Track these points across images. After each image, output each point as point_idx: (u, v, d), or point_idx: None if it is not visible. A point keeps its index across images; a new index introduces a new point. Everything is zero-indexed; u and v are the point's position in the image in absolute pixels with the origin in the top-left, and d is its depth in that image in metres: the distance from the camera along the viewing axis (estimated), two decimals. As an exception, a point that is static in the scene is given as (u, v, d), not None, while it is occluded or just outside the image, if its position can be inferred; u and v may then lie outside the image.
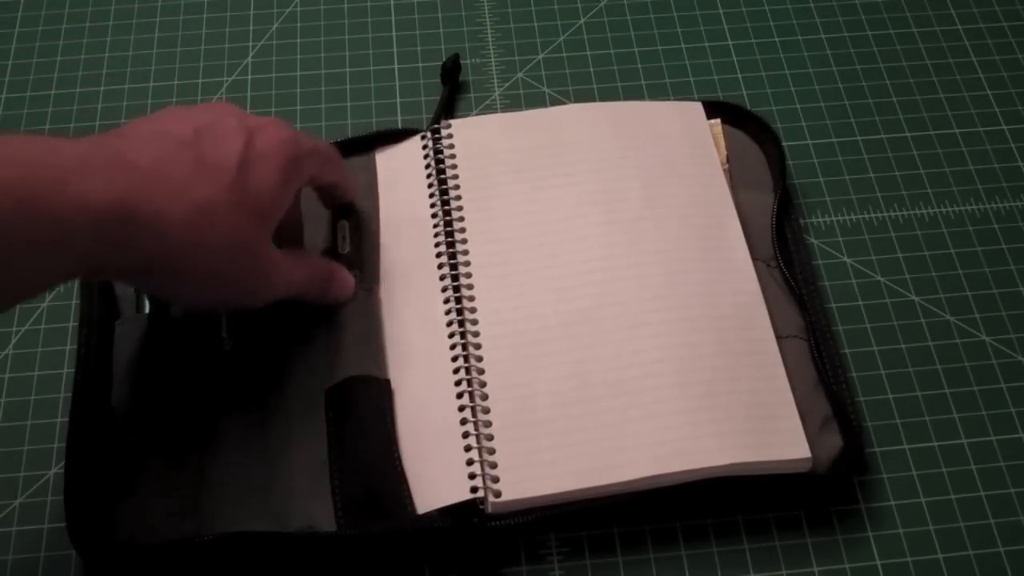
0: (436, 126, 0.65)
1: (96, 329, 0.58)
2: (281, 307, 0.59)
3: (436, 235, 0.61)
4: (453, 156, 0.64)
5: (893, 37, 0.75)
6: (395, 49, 0.74)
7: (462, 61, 0.72)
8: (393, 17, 0.76)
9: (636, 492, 0.53)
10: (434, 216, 0.62)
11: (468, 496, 0.53)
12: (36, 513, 0.55)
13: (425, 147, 0.65)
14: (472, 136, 0.65)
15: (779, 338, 0.58)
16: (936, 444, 0.58)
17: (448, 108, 0.70)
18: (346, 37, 0.75)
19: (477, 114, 0.70)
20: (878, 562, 0.54)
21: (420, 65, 0.73)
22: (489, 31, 0.75)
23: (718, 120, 0.66)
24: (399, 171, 0.65)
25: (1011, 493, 0.56)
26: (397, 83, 0.72)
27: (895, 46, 0.74)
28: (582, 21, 0.76)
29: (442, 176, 0.63)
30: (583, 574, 0.54)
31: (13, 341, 0.61)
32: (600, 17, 0.76)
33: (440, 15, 0.76)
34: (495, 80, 0.72)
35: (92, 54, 0.74)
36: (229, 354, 0.58)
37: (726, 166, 0.65)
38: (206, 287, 0.51)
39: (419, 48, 0.74)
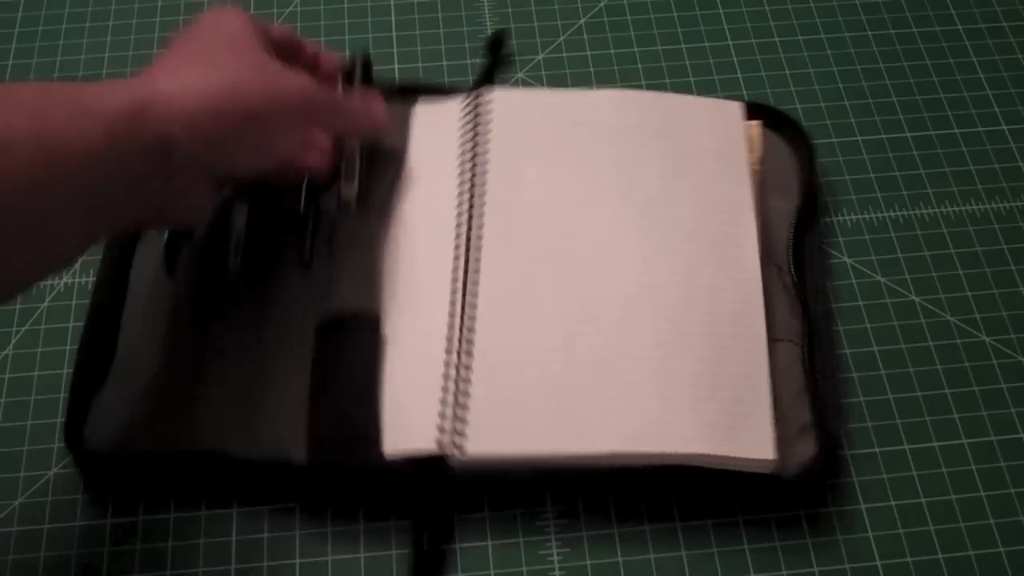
0: (479, 90, 0.67)
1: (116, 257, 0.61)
2: (291, 232, 0.61)
3: (459, 194, 0.62)
4: (489, 123, 0.65)
5: (894, 37, 0.75)
6: (395, 49, 0.74)
7: (463, 61, 0.72)
8: (393, 17, 0.76)
9: (602, 468, 0.54)
10: (460, 175, 0.63)
11: (433, 446, 0.54)
12: (36, 513, 0.55)
13: (466, 108, 0.66)
14: (511, 107, 0.66)
15: (775, 341, 0.58)
16: (936, 444, 0.58)
17: (489, 78, 0.71)
18: (346, 37, 0.74)
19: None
20: (878, 562, 0.54)
21: (420, 65, 0.73)
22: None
23: (759, 122, 0.66)
24: (435, 125, 0.66)
25: (1011, 493, 0.56)
26: (397, 83, 0.72)
27: (896, 46, 0.74)
28: (582, 21, 0.76)
29: (476, 140, 0.64)
30: (583, 574, 0.54)
31: (13, 341, 0.61)
32: (600, 17, 0.76)
33: (440, 15, 0.76)
34: (495, 80, 0.72)
35: (92, 54, 0.74)
36: (235, 276, 0.60)
37: (757, 168, 0.65)
38: (264, 127, 0.53)
39: (419, 48, 0.74)
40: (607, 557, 0.54)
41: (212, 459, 0.55)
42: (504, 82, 0.72)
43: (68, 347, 0.61)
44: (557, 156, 0.64)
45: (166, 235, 0.60)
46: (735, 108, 0.67)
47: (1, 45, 0.74)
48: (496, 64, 0.72)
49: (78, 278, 0.63)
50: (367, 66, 0.67)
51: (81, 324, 0.60)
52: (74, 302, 0.62)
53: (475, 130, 0.65)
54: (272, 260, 0.61)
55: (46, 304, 0.63)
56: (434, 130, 0.66)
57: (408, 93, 0.68)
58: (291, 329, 0.59)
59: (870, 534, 0.55)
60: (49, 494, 0.56)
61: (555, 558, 0.54)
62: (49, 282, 0.63)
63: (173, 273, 0.60)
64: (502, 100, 0.66)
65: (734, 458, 0.54)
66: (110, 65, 0.73)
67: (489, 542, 0.55)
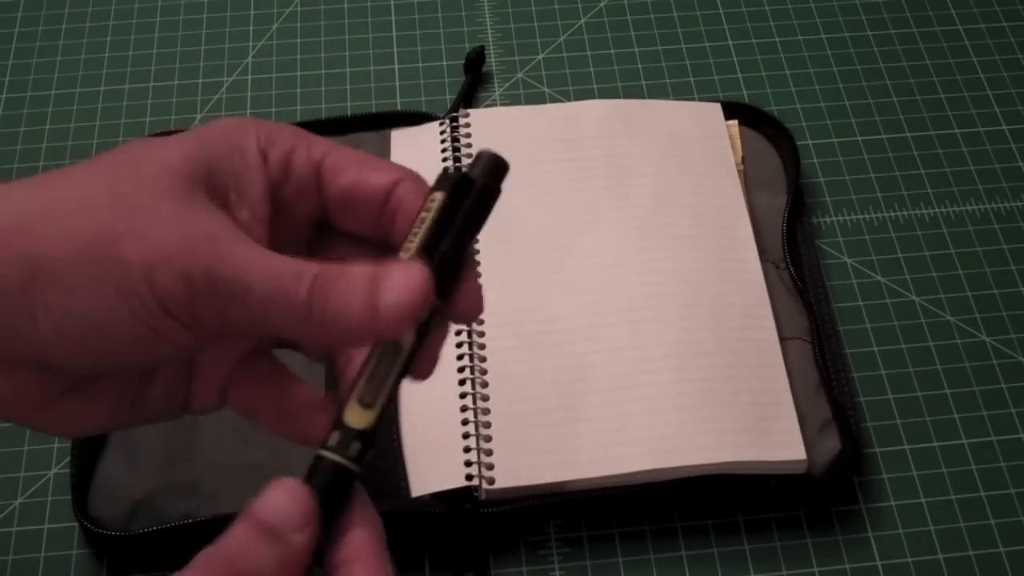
0: (455, 114, 0.66)
1: None
2: None
3: None
4: (470, 145, 0.64)
5: (894, 37, 0.75)
6: (395, 49, 0.74)
7: (462, 61, 0.72)
8: (393, 17, 0.76)
9: (631, 486, 0.54)
10: None
11: (463, 483, 0.53)
12: (36, 513, 0.55)
13: (443, 133, 0.65)
14: (490, 126, 0.65)
15: (784, 339, 0.58)
16: (936, 444, 0.58)
17: (467, 98, 0.70)
18: (346, 37, 0.74)
19: (477, 114, 0.70)
20: (878, 562, 0.54)
21: (420, 65, 0.73)
22: (489, 31, 0.75)
23: (735, 121, 0.67)
24: (414, 153, 0.65)
25: (1011, 493, 0.56)
26: (397, 83, 0.72)
27: (895, 46, 0.74)
28: (582, 21, 0.76)
29: (458, 164, 0.63)
30: (583, 574, 0.54)
31: (13, 341, 0.61)
32: (600, 17, 0.76)
33: (440, 15, 0.76)
34: (495, 80, 0.72)
35: (92, 54, 0.74)
36: None
37: (741, 167, 0.65)
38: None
39: (419, 48, 0.74)
40: (607, 557, 0.54)
41: (228, 521, 0.52)
42: (494, 91, 0.72)
43: (68, 347, 0.60)
44: (544, 173, 0.63)
45: None
46: (716, 109, 0.67)
47: (1, 45, 0.74)
48: (476, 83, 0.71)
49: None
50: (488, 182, 0.38)
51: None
52: (74, 302, 0.62)
53: (456, 155, 0.64)
54: None
55: (46, 304, 0.62)
56: (414, 158, 0.64)
57: (383, 122, 0.66)
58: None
59: (870, 534, 0.55)
60: (49, 494, 0.56)
61: (555, 558, 0.54)
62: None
63: None
64: (479, 121, 0.65)
65: (766, 462, 0.54)
66: (110, 65, 0.73)
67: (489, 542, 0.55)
